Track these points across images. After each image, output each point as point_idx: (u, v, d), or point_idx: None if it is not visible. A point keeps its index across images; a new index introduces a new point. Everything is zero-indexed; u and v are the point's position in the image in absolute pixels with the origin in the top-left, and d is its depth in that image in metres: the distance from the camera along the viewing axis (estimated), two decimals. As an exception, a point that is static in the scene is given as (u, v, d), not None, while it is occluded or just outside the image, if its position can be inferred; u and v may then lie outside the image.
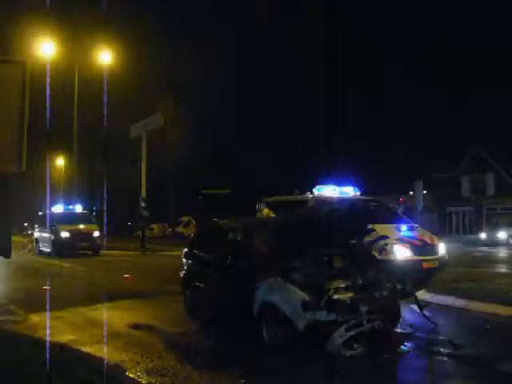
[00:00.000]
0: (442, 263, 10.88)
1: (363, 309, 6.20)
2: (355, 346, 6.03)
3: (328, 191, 12.17)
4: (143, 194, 29.47)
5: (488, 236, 33.65)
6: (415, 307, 7.39)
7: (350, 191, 12.38)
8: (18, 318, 8.80)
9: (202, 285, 8.33)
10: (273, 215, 12.42)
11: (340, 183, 12.56)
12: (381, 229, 10.58)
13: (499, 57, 41.83)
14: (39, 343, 6.81)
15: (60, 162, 44.07)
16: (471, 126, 39.71)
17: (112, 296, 10.33)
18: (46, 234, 25.03)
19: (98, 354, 6.35)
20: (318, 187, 12.24)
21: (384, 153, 41.11)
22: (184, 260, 9.34)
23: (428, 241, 10.99)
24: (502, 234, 32.74)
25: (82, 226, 24.78)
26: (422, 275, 9.96)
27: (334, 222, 7.88)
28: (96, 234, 25.01)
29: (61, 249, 23.24)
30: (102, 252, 24.48)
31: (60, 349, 6.49)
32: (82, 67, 29.75)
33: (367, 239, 9.61)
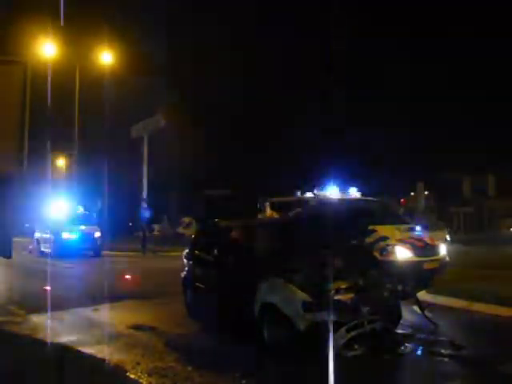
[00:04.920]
0: (443, 264, 10.88)
1: (364, 310, 6.20)
2: (356, 346, 6.03)
3: (329, 192, 12.18)
4: (144, 194, 29.46)
5: None
6: (416, 308, 7.38)
7: (350, 192, 12.39)
8: (18, 319, 8.80)
9: (202, 285, 8.33)
10: (275, 215, 12.45)
11: (341, 184, 12.58)
12: (382, 229, 10.59)
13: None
14: (39, 344, 6.81)
15: (61, 162, 44.03)
16: (472, 127, 39.70)
17: (113, 297, 10.33)
18: (46, 235, 25.02)
19: (99, 355, 6.35)
20: (319, 188, 12.26)
21: (386, 154, 41.12)
22: (185, 261, 9.33)
23: (429, 242, 10.99)
24: None
25: (83, 227, 24.77)
26: (422, 276, 9.96)
27: (335, 222, 7.88)
28: (97, 234, 24.99)
29: (62, 250, 23.22)
30: (102, 253, 24.46)
31: (60, 349, 6.49)
32: (82, 67, 29.76)
33: (368, 240, 9.62)
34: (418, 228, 11.63)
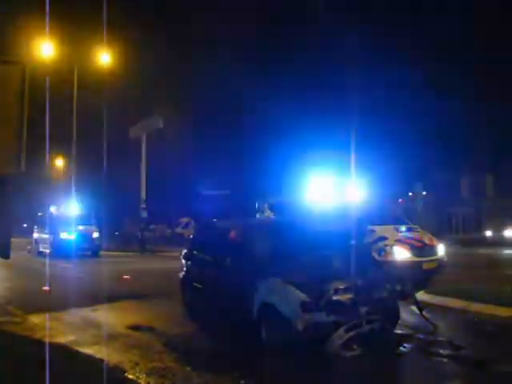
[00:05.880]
0: (441, 264, 10.90)
1: (362, 310, 6.21)
2: (354, 346, 6.04)
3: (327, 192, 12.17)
4: (143, 195, 29.47)
5: None
6: (414, 308, 7.39)
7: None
8: (17, 319, 8.79)
9: (201, 286, 8.33)
10: (274, 216, 12.45)
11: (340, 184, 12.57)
12: (380, 230, 10.61)
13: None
14: (39, 344, 6.80)
15: (59, 162, 44.03)
16: (472, 127, 39.73)
17: (111, 297, 10.32)
18: (45, 235, 25.03)
19: (98, 355, 6.35)
20: (317, 188, 12.25)
21: (384, 153, 41.12)
22: (183, 261, 9.34)
23: (427, 242, 11.00)
24: None
25: (81, 227, 24.80)
26: (421, 276, 9.97)
27: (334, 222, 7.89)
28: (95, 234, 25.02)
29: (60, 250, 23.23)
30: (101, 253, 24.48)
31: (59, 350, 6.48)
32: (81, 68, 29.75)
33: (367, 240, 9.63)
34: (416, 228, 11.64)
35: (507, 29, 38.81)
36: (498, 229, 32.99)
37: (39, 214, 28.24)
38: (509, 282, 10.49)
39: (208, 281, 8.11)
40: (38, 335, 7.47)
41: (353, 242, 7.88)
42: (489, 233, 34.25)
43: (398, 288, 6.75)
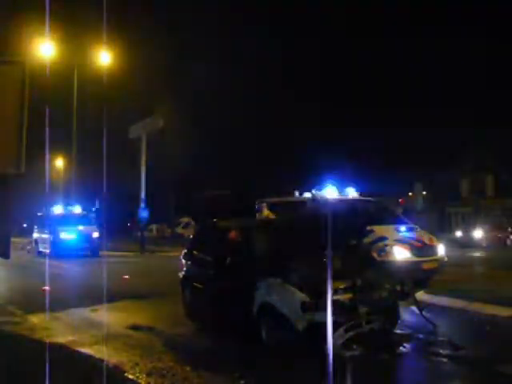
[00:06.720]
0: (441, 264, 10.90)
1: (362, 310, 6.20)
2: (354, 346, 6.03)
3: (327, 192, 12.17)
4: (142, 195, 29.46)
5: None
6: (414, 308, 7.39)
7: (349, 192, 12.39)
8: (17, 319, 8.80)
9: (201, 286, 8.33)
10: (272, 216, 12.44)
11: (339, 184, 12.57)
12: (380, 230, 10.60)
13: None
14: (38, 344, 6.80)
15: (59, 162, 44.03)
16: (471, 127, 39.72)
17: (111, 297, 10.30)
18: (45, 235, 25.02)
19: (98, 355, 6.35)
20: (317, 188, 12.25)
21: (384, 153, 41.14)
22: (183, 261, 9.33)
23: (427, 242, 11.00)
24: None
25: (81, 227, 24.80)
26: (421, 276, 9.97)
27: (333, 222, 7.87)
28: (95, 234, 25.02)
29: (60, 249, 23.24)
30: (101, 253, 24.47)
31: (59, 350, 6.49)
32: (81, 68, 29.73)
33: (366, 240, 9.62)
34: (416, 228, 11.64)
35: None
36: (468, 229, 32.90)
37: (39, 214, 28.23)
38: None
39: (208, 281, 8.11)
40: (37, 335, 7.47)
41: (353, 241, 7.87)
42: (459, 233, 34.07)
43: (398, 288, 6.75)
